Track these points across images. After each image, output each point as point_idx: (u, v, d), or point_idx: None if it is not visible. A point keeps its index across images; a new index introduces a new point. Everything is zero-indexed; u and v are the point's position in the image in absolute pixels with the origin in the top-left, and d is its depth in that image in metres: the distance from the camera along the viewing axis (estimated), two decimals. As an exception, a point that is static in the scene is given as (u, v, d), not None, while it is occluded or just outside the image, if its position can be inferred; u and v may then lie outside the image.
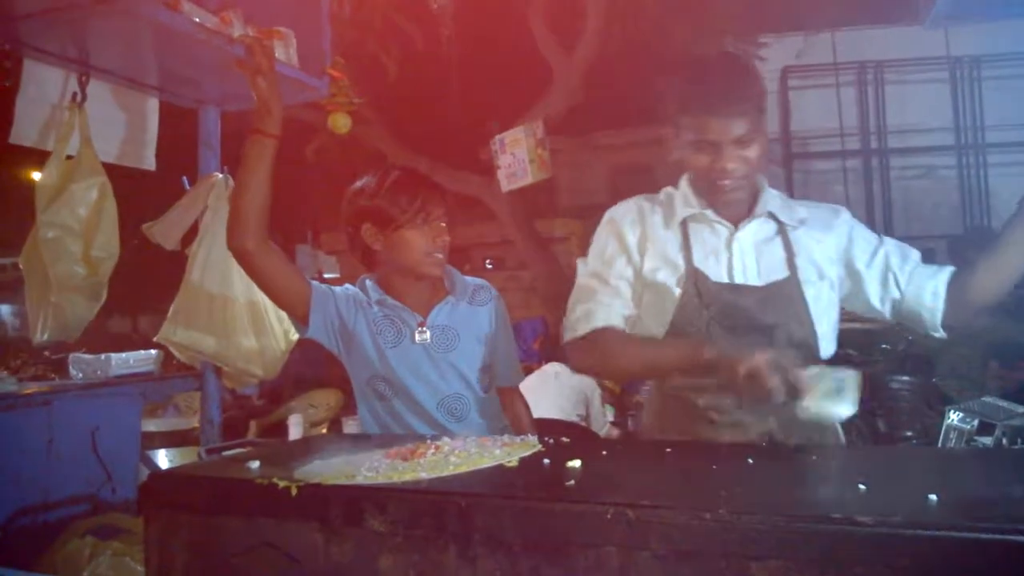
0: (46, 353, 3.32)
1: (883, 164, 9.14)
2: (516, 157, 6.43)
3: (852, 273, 1.56)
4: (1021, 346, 4.47)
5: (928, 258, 1.60)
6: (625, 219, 1.61)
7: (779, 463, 1.22)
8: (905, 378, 5.58)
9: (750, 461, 1.16)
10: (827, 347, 1.54)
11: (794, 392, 1.22)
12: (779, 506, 0.91)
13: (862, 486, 0.95)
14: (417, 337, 1.75)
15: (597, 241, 1.63)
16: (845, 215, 1.61)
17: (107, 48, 2.12)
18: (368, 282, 1.82)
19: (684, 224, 1.57)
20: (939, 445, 3.34)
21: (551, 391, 3.88)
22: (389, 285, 1.80)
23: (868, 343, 6.44)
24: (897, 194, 9.00)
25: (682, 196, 1.59)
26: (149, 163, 2.57)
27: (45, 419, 2.48)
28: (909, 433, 5.25)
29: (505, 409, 1.91)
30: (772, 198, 1.57)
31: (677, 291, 1.50)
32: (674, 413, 1.55)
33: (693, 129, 1.48)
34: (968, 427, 3.09)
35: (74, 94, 2.21)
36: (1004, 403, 3.12)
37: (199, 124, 2.62)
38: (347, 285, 1.84)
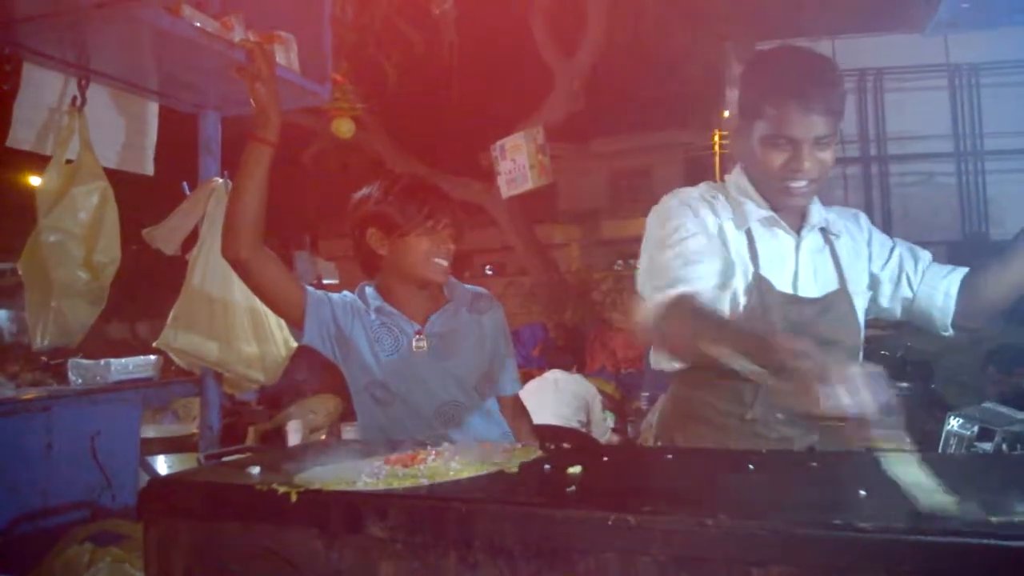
0: (43, 358, 3.32)
1: (882, 171, 9.16)
2: (516, 163, 6.44)
3: (872, 275, 1.56)
4: (1019, 352, 4.47)
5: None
6: (701, 205, 1.50)
7: (781, 469, 1.21)
8: (904, 384, 5.58)
9: (751, 467, 1.16)
10: (862, 355, 1.53)
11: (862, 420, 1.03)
12: (780, 512, 0.91)
13: (862, 492, 0.95)
14: (414, 345, 1.75)
15: (667, 221, 1.48)
16: (864, 221, 1.61)
17: (107, 52, 2.13)
18: (368, 289, 1.82)
19: (749, 228, 1.49)
20: (939, 451, 3.34)
21: (551, 398, 3.88)
22: (389, 292, 1.80)
23: (867, 350, 6.43)
24: (896, 201, 9.02)
25: (746, 197, 1.51)
26: (148, 168, 2.57)
27: (44, 425, 2.47)
28: (909, 439, 5.24)
29: (505, 417, 1.90)
30: (821, 209, 1.54)
31: (743, 298, 1.44)
32: (704, 429, 1.49)
33: (774, 122, 1.39)
34: (968, 433, 3.09)
35: (74, 98, 2.21)
36: (1004, 409, 3.11)
37: (199, 129, 2.62)
38: (345, 292, 1.83)
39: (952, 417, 3.29)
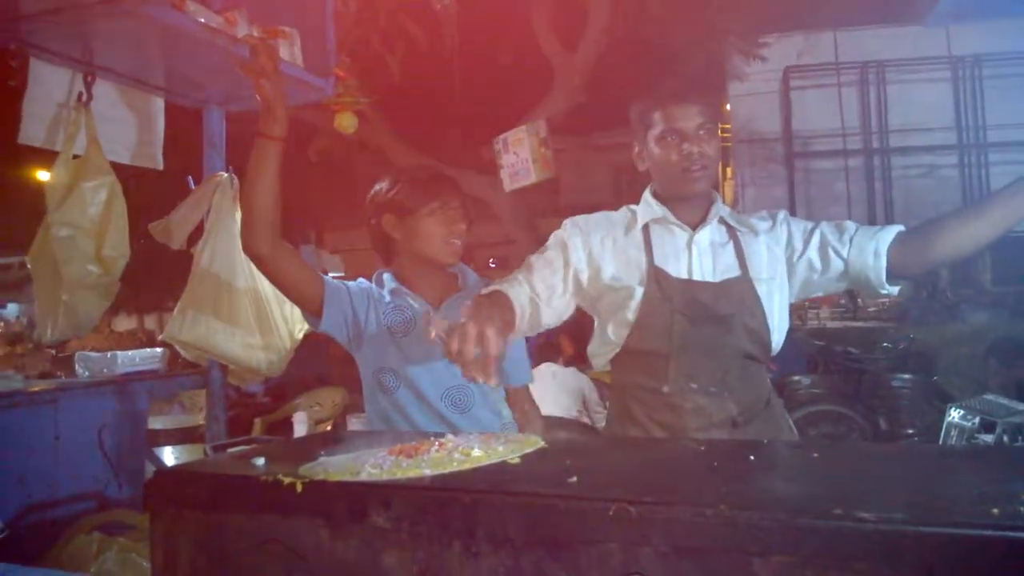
0: (52, 351, 3.34)
1: (885, 163, 9.13)
2: (519, 157, 6.44)
3: (794, 265, 1.66)
4: (1019, 344, 4.49)
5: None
6: (587, 222, 1.73)
7: (780, 459, 1.22)
8: (906, 376, 5.60)
9: (752, 458, 1.17)
10: (777, 342, 1.65)
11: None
12: (781, 502, 0.92)
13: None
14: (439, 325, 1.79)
15: (547, 245, 1.74)
16: (782, 217, 1.72)
17: (112, 48, 2.13)
18: (385, 274, 1.88)
19: (646, 228, 1.68)
20: (940, 442, 3.34)
21: (550, 389, 3.91)
22: (404, 276, 1.86)
23: (870, 341, 6.45)
24: (899, 193, 8.99)
25: (645, 204, 1.71)
26: (157, 163, 2.58)
27: (52, 417, 2.50)
28: (910, 431, 5.25)
29: (513, 407, 1.93)
30: (722, 206, 1.70)
31: (640, 289, 1.61)
32: (637, 408, 1.65)
33: (661, 122, 1.61)
34: (969, 424, 3.10)
35: (80, 94, 2.22)
36: (1005, 400, 3.12)
37: (204, 124, 2.63)
38: (360, 279, 1.89)
39: (953, 408, 3.30)
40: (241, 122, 2.57)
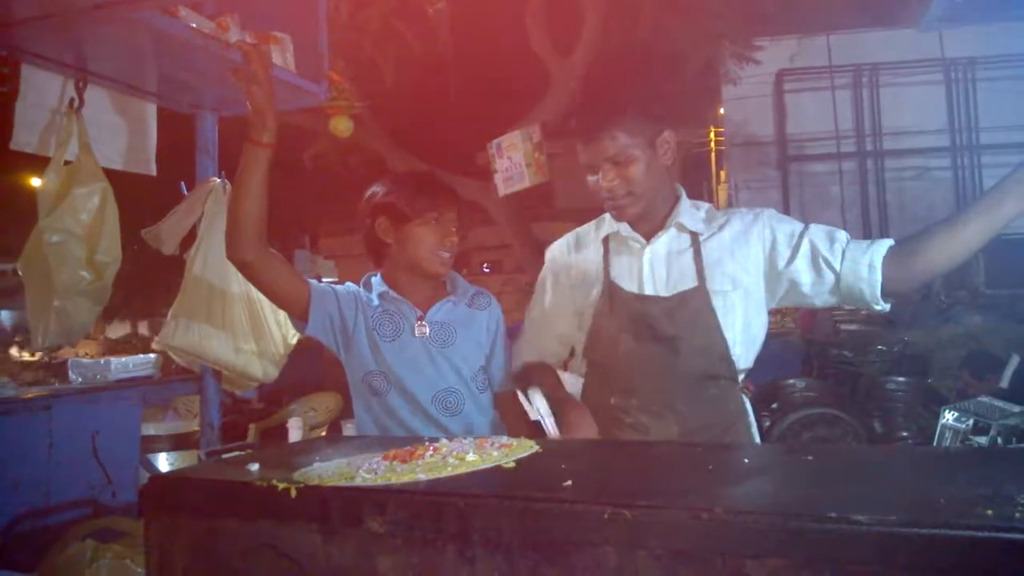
0: (44, 357, 3.33)
1: (878, 166, 9.18)
2: (513, 161, 6.44)
3: (780, 273, 1.58)
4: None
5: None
6: (559, 254, 1.81)
7: (775, 462, 1.23)
8: (901, 379, 5.62)
9: (746, 461, 1.17)
10: (745, 355, 1.59)
11: None
12: (776, 505, 0.92)
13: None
14: (416, 331, 1.80)
15: (537, 287, 1.86)
16: (765, 218, 1.63)
17: (104, 53, 2.13)
18: (374, 278, 1.88)
19: (606, 241, 1.70)
20: (934, 445, 3.35)
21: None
22: (394, 281, 1.86)
23: (864, 345, 6.47)
24: (892, 196, 9.04)
25: (608, 218, 1.71)
26: (150, 168, 2.58)
27: (45, 423, 2.49)
28: (905, 433, 5.27)
29: (501, 413, 1.92)
30: (685, 210, 1.64)
31: (592, 304, 1.65)
32: (594, 409, 1.63)
33: (580, 157, 1.61)
34: (963, 427, 3.11)
35: (71, 100, 2.22)
36: (999, 402, 3.14)
37: (196, 129, 2.62)
38: (349, 284, 1.89)
39: (947, 411, 3.31)
40: (234, 127, 2.57)
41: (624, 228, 1.65)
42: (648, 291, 1.60)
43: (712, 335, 1.55)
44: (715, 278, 1.57)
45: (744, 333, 1.57)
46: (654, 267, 1.62)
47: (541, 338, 1.83)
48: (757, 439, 1.69)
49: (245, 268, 1.65)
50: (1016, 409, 2.98)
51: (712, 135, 16.26)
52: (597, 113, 1.58)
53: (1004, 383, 3.90)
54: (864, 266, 1.50)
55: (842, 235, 1.57)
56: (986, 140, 8.88)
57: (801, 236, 1.58)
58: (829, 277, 1.54)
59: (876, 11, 9.13)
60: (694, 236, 1.62)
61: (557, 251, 1.83)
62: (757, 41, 8.11)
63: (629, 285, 1.63)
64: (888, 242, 1.53)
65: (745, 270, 1.59)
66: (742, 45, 7.95)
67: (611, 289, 1.63)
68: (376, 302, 1.83)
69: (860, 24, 9.15)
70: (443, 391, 1.79)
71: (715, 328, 1.55)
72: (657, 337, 1.56)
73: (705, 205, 1.71)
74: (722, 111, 9.69)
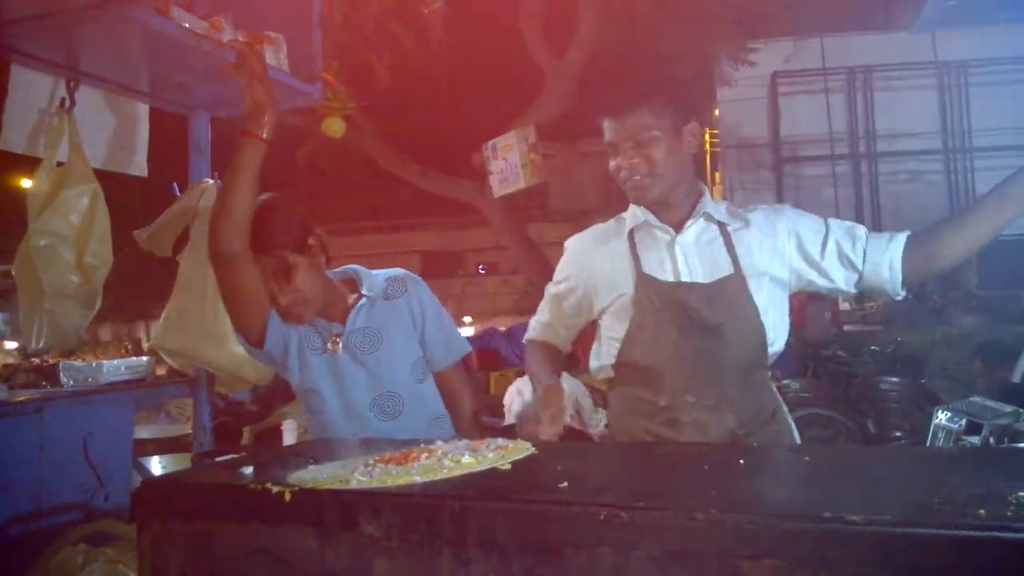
0: (35, 360, 3.31)
1: (872, 168, 9.21)
2: (508, 162, 6.44)
3: (808, 268, 1.61)
4: (1003, 348, 4.54)
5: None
6: (585, 243, 1.77)
7: (770, 463, 1.23)
8: (894, 379, 5.64)
9: (741, 462, 1.17)
10: (778, 339, 1.60)
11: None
12: (771, 505, 0.92)
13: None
14: (330, 348, 1.78)
15: (559, 266, 1.82)
16: (788, 212, 1.67)
17: (96, 54, 2.12)
18: None
19: (631, 235, 1.67)
20: (928, 444, 3.36)
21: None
22: None
23: (858, 345, 6.49)
24: (885, 198, 9.07)
25: (630, 210, 1.70)
26: (140, 169, 2.56)
27: (36, 426, 2.47)
28: (898, 433, 5.29)
29: (443, 392, 1.91)
30: (710, 202, 1.65)
31: (629, 299, 1.60)
32: (637, 420, 1.62)
33: (603, 135, 1.61)
34: (956, 427, 3.12)
35: (62, 100, 2.20)
36: (992, 402, 3.15)
37: (189, 130, 2.61)
38: None
39: (940, 411, 3.32)
40: (227, 128, 2.56)
41: (651, 218, 1.63)
42: (685, 279, 1.59)
43: (752, 322, 1.55)
44: (747, 263, 1.58)
45: (776, 319, 1.59)
46: (687, 255, 1.60)
47: (554, 318, 1.82)
48: (793, 425, 1.70)
49: (227, 261, 1.62)
50: (1008, 409, 3.00)
51: (707, 137, 16.31)
52: (626, 89, 1.58)
53: (1016, 377, 3.90)
54: (885, 267, 1.55)
55: (861, 231, 1.60)
56: (979, 143, 8.92)
57: (828, 233, 1.61)
58: (852, 276, 1.59)
59: (870, 14, 9.17)
60: (722, 226, 1.63)
61: (580, 243, 1.79)
62: (752, 43, 8.13)
63: (663, 275, 1.60)
64: (904, 237, 1.56)
65: (773, 261, 1.60)
66: (737, 47, 7.97)
67: (645, 282, 1.59)
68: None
69: (854, 27, 9.19)
70: (380, 396, 1.79)
71: (754, 314, 1.55)
72: (701, 328, 1.54)
73: (724, 203, 1.71)
74: (716, 113, 9.71)
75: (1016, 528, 0.77)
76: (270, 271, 1.67)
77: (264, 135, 1.59)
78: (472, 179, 8.56)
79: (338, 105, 2.60)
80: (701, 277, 1.59)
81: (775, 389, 1.69)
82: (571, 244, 1.80)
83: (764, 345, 1.58)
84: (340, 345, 1.78)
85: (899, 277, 1.55)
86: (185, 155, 2.61)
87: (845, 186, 9.16)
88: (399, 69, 7.05)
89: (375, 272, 1.91)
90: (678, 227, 1.63)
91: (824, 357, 6.33)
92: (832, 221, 1.63)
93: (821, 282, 1.62)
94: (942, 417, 3.26)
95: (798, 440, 1.71)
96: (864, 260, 1.57)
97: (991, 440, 2.88)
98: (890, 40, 9.13)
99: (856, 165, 9.27)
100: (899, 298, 1.59)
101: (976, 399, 3.28)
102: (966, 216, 1.52)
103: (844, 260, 1.58)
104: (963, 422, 3.09)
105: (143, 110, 2.55)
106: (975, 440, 2.97)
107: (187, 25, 1.96)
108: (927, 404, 4.92)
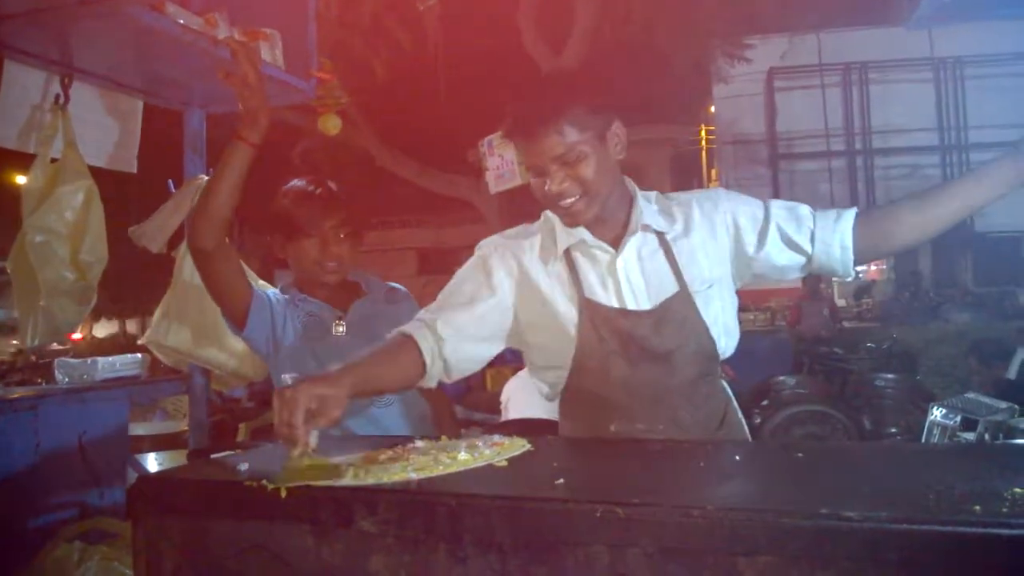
0: (32, 357, 3.30)
1: (868, 164, 9.23)
2: (504, 159, 6.42)
3: (750, 259, 1.53)
4: (998, 345, 4.56)
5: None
6: (496, 260, 1.54)
7: (766, 460, 1.23)
8: (890, 376, 5.66)
9: (737, 458, 1.17)
10: (729, 344, 1.53)
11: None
12: (767, 502, 0.92)
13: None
14: (334, 329, 1.86)
15: (459, 273, 1.57)
16: (724, 202, 1.56)
17: (90, 49, 2.10)
18: (292, 289, 1.93)
19: (568, 253, 1.51)
20: (923, 441, 3.38)
21: (535, 392, 3.89)
22: (305, 288, 1.91)
23: (854, 342, 6.51)
24: (881, 194, 9.09)
25: (560, 227, 1.53)
26: (130, 166, 2.55)
27: (32, 424, 2.46)
28: (893, 430, 5.31)
29: (426, 397, 1.99)
30: (645, 209, 1.53)
31: (573, 329, 1.46)
32: (587, 432, 1.54)
33: (522, 155, 1.47)
34: (951, 423, 3.13)
35: (57, 96, 2.19)
36: (987, 399, 3.16)
37: (184, 126, 2.60)
38: (275, 290, 1.94)
39: (935, 407, 3.33)
40: (222, 124, 2.55)
41: (588, 236, 1.49)
42: (630, 305, 1.47)
43: (703, 339, 1.48)
44: (692, 278, 1.49)
45: (726, 325, 1.52)
46: (630, 277, 1.49)
47: (440, 315, 1.48)
48: (743, 422, 1.63)
49: (204, 257, 1.69)
50: (1003, 406, 3.01)
51: (703, 133, 16.32)
52: (541, 107, 1.42)
53: (1011, 374, 3.92)
54: (836, 247, 1.48)
55: (805, 211, 1.52)
56: (974, 139, 8.94)
57: (767, 220, 1.52)
58: (799, 260, 1.52)
59: (866, 9, 9.18)
60: (660, 235, 1.52)
61: (509, 248, 1.58)
62: (748, 39, 8.13)
63: (607, 300, 1.48)
64: (852, 214, 1.49)
65: (717, 263, 1.53)
66: (733, 43, 7.97)
67: (590, 308, 1.46)
68: (300, 306, 1.88)
69: (850, 22, 9.20)
70: None
71: (704, 331, 1.48)
72: (650, 356, 1.45)
73: (653, 194, 1.59)
74: (713, 109, 9.72)
75: (1011, 524, 0.77)
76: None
77: (253, 140, 1.62)
78: (468, 176, 8.55)
79: (334, 102, 2.59)
80: (646, 299, 1.48)
81: (725, 385, 1.62)
82: (495, 243, 1.61)
83: (715, 356, 1.51)
84: (343, 327, 1.86)
85: (850, 256, 1.48)
86: (179, 152, 2.60)
87: (841, 182, 9.18)
88: (395, 66, 7.04)
89: (377, 280, 2.02)
90: (615, 243, 1.50)
91: (820, 354, 6.35)
92: (772, 204, 1.54)
93: (767, 271, 1.54)
94: (937, 414, 3.27)
95: (748, 437, 1.65)
96: (812, 241, 1.49)
97: (986, 436, 2.89)
98: (886, 36, 9.15)
99: (852, 161, 9.29)
100: (849, 279, 1.57)
101: (971, 395, 3.29)
102: (927, 198, 1.43)
103: (790, 244, 1.50)
104: (958, 419, 3.10)
105: (137, 106, 2.53)
106: (970, 436, 2.97)
107: (182, 21, 1.95)
108: (922, 401, 4.94)
